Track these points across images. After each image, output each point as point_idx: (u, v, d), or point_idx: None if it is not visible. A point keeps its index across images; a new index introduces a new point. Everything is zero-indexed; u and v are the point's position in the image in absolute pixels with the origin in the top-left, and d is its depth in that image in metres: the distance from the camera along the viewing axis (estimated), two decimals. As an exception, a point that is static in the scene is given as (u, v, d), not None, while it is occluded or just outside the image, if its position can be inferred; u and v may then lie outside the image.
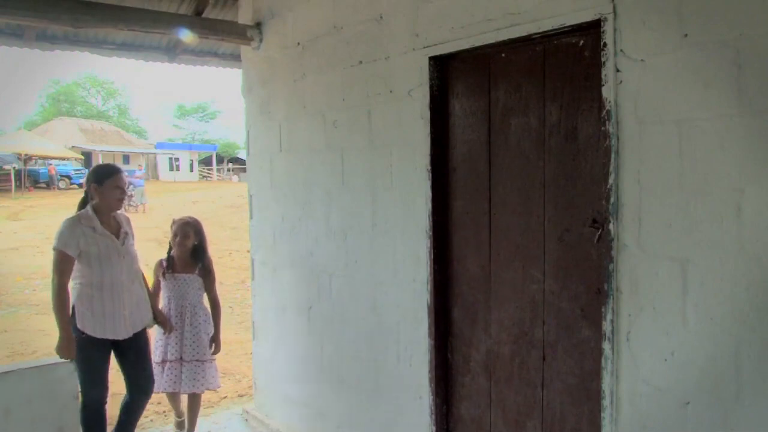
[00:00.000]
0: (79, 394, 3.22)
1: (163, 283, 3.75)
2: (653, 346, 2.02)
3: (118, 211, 3.35)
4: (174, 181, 36.45)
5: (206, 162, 46.74)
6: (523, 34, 2.35)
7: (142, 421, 3.60)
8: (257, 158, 4.18)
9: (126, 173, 3.53)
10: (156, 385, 3.57)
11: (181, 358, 3.68)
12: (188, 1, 4.28)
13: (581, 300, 2.31)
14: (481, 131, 2.67)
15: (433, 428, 2.89)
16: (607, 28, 2.07)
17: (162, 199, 22.76)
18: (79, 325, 3.11)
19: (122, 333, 3.20)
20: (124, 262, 3.22)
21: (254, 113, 4.17)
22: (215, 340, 3.80)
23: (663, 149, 1.96)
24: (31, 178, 29.22)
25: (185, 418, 3.88)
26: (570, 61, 2.30)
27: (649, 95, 1.99)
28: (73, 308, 3.12)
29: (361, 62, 3.18)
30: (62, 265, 3.06)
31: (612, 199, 2.09)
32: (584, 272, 2.29)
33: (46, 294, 8.79)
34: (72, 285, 3.12)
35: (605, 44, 2.08)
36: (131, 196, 18.38)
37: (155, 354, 3.63)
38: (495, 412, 2.70)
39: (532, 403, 2.53)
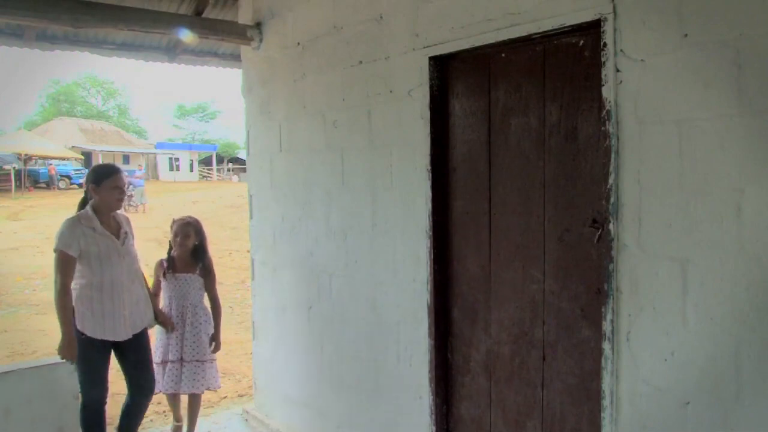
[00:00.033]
0: (79, 395, 3.21)
1: (163, 284, 3.74)
2: (653, 346, 2.02)
3: (118, 211, 3.34)
4: (174, 181, 36.46)
5: (206, 162, 46.74)
6: (523, 34, 2.35)
7: (143, 421, 3.59)
8: (257, 158, 4.18)
9: (126, 173, 3.52)
10: (157, 386, 3.57)
11: (182, 358, 3.67)
12: (188, 1, 4.28)
13: (581, 300, 2.31)
14: (481, 131, 2.67)
15: (433, 428, 2.89)
16: (607, 28, 2.07)
17: (162, 199, 22.76)
18: (78, 326, 3.11)
19: (122, 334, 3.19)
20: (124, 262, 3.21)
21: (254, 113, 4.17)
22: (215, 338, 3.80)
23: (663, 149, 1.96)
24: (31, 178, 29.22)
25: (183, 423, 3.87)
26: (570, 61, 2.30)
27: (649, 95, 1.99)
28: (73, 309, 3.11)
29: (361, 62, 3.18)
30: (64, 266, 3.05)
31: (612, 199, 2.09)
32: (584, 272, 2.29)
33: (46, 294, 8.81)
34: (72, 285, 3.12)
35: (605, 44, 2.08)
36: (131, 196, 18.37)
37: (156, 355, 3.62)
38: (495, 412, 2.70)
39: (532, 403, 2.53)
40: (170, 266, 3.75)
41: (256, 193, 4.23)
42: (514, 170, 2.54)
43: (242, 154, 38.64)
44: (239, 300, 8.37)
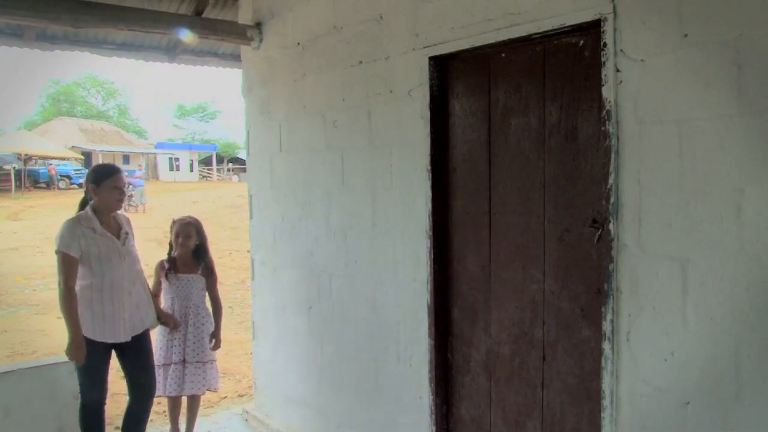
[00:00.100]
0: (79, 395, 3.21)
1: (165, 285, 3.72)
2: (653, 346, 2.02)
3: (119, 212, 3.33)
4: (174, 181, 36.46)
5: (206, 162, 46.74)
6: (523, 34, 2.35)
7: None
8: (257, 158, 4.18)
9: (126, 173, 3.51)
10: (160, 389, 3.55)
11: (184, 359, 3.66)
12: (188, 1, 4.28)
13: (581, 300, 2.31)
14: (481, 131, 2.67)
15: (433, 428, 2.89)
16: (607, 28, 2.07)
17: (162, 199, 22.76)
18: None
19: (122, 336, 3.17)
20: (124, 263, 3.20)
21: (254, 113, 4.17)
22: (215, 336, 3.78)
23: (663, 149, 1.96)
24: (31, 178, 29.23)
25: (181, 428, 3.86)
26: (570, 61, 2.30)
27: (649, 95, 1.99)
28: None
29: (361, 62, 3.18)
30: (67, 267, 3.03)
31: (612, 199, 2.09)
32: (584, 272, 2.29)
33: (46, 294, 8.81)
34: None
35: (605, 44, 2.08)
36: (131, 196, 18.37)
37: (158, 357, 3.59)
38: (495, 412, 2.70)
39: (532, 403, 2.53)
40: (172, 267, 3.73)
41: (256, 193, 4.23)
42: (514, 170, 2.54)
43: (242, 154, 38.64)
44: (239, 300, 8.37)
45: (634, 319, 2.07)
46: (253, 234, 4.27)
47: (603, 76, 2.10)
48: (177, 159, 41.69)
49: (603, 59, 2.09)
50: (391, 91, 3.00)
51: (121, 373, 3.36)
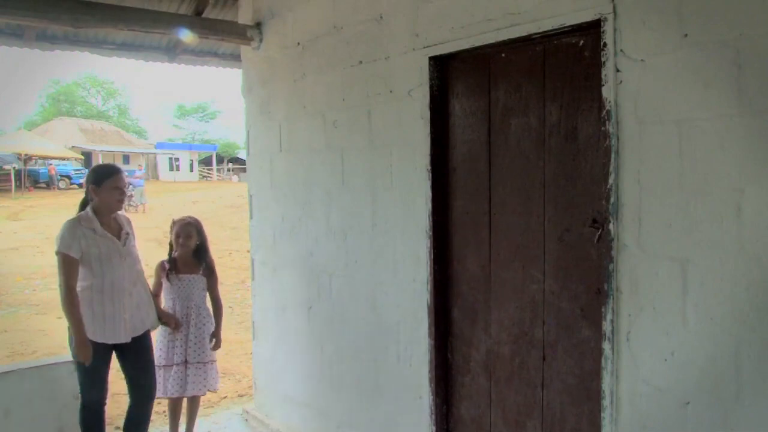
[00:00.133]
0: (79, 395, 3.20)
1: (166, 285, 3.69)
2: (653, 346, 2.02)
3: (119, 212, 3.32)
4: (174, 181, 36.46)
5: (206, 162, 46.74)
6: (523, 34, 2.35)
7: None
8: (257, 158, 4.18)
9: (126, 173, 3.50)
10: (162, 390, 3.54)
11: (186, 360, 3.64)
12: (188, 1, 4.28)
13: (581, 300, 2.31)
14: (481, 131, 2.67)
15: (433, 428, 2.89)
16: (607, 28, 2.07)
17: (162, 199, 22.76)
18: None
19: (122, 336, 3.16)
20: (125, 263, 3.18)
21: (254, 113, 4.17)
22: (216, 336, 3.77)
23: (663, 149, 1.96)
24: (31, 178, 29.23)
25: (183, 424, 3.85)
26: (570, 61, 2.30)
27: (649, 95, 1.99)
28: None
29: (361, 62, 3.18)
30: (67, 268, 3.02)
31: (612, 199, 2.09)
32: (584, 272, 2.29)
33: (46, 294, 8.81)
34: None
35: (605, 44, 2.08)
36: (131, 196, 18.36)
37: (158, 358, 3.57)
38: (495, 412, 2.70)
39: (532, 403, 2.53)
40: (173, 267, 3.70)
41: (256, 193, 4.23)
42: (514, 170, 2.54)
43: (242, 154, 38.64)
44: (239, 300, 8.37)
45: (634, 319, 2.07)
46: (253, 234, 4.27)
47: (603, 76, 2.10)
48: (177, 159, 41.69)
49: (603, 59, 2.09)
50: (391, 91, 3.00)
51: (121, 374, 3.36)
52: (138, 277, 3.31)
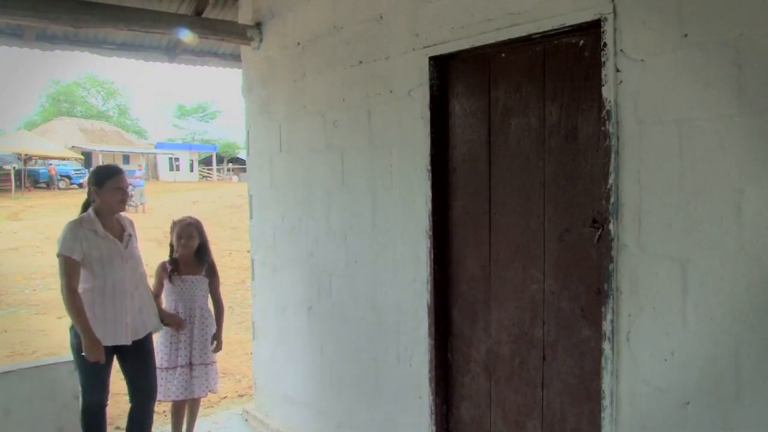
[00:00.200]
0: (80, 396, 3.19)
1: (169, 286, 3.65)
2: (653, 346, 2.02)
3: (122, 213, 3.29)
4: (174, 181, 36.45)
5: (206, 162, 46.74)
6: (523, 34, 2.35)
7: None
8: (257, 158, 4.18)
9: (126, 173, 3.49)
10: (164, 393, 3.52)
11: (190, 362, 3.61)
12: (188, 1, 4.28)
13: (581, 300, 2.31)
14: (481, 131, 2.67)
15: (433, 428, 2.89)
16: (607, 28, 2.07)
17: (162, 199, 22.76)
18: (79, 331, 3.04)
19: (123, 339, 3.13)
20: (127, 265, 3.16)
21: (254, 113, 4.17)
22: (217, 338, 3.75)
23: (663, 149, 1.96)
24: (31, 178, 29.22)
25: (183, 424, 3.84)
26: (570, 61, 2.30)
27: (649, 95, 1.99)
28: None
29: (361, 62, 3.18)
30: (69, 270, 2.99)
31: (612, 199, 2.09)
32: (584, 272, 2.29)
33: (46, 294, 8.82)
34: None
35: (605, 44, 2.08)
36: (131, 196, 18.35)
37: (160, 359, 3.54)
38: (495, 412, 2.70)
39: (532, 403, 2.53)
40: (174, 269, 3.66)
41: (256, 193, 4.23)
42: (514, 170, 2.54)
43: (242, 154, 38.64)
44: (239, 300, 8.37)
45: (634, 319, 2.07)
46: (253, 234, 4.27)
47: (603, 76, 2.10)
48: (177, 159, 41.68)
49: (603, 59, 2.09)
50: (391, 91, 3.00)
51: (121, 374, 3.35)
52: (140, 279, 3.28)
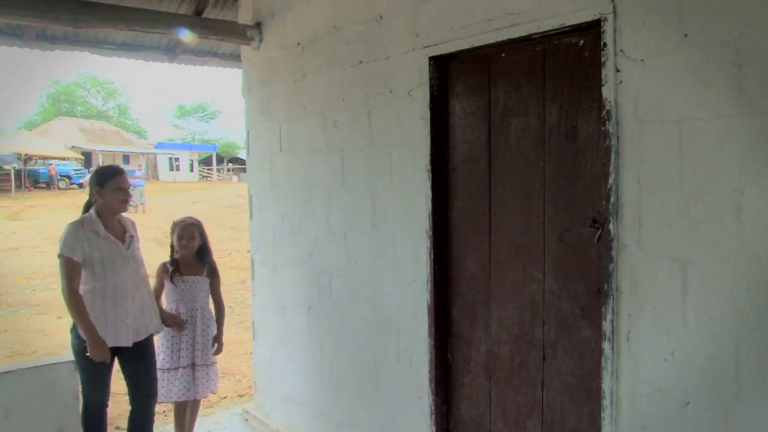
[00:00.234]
0: (80, 396, 3.19)
1: (170, 287, 3.62)
2: (653, 346, 2.03)
3: (124, 214, 3.28)
4: (174, 181, 36.46)
5: (206, 162, 46.75)
6: (523, 34, 2.35)
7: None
8: (257, 158, 4.18)
9: (127, 174, 3.47)
10: (166, 394, 3.51)
11: (193, 363, 3.59)
12: (188, 1, 4.28)
13: (581, 300, 2.31)
14: (481, 131, 2.67)
15: (433, 428, 2.89)
16: (607, 28, 2.07)
17: (162, 199, 22.77)
18: (80, 332, 3.03)
19: (124, 340, 3.12)
20: (129, 267, 3.14)
21: (254, 113, 4.17)
22: (218, 340, 3.73)
23: (663, 149, 1.96)
24: (31, 178, 29.23)
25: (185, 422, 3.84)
26: (570, 61, 2.30)
27: (649, 95, 1.99)
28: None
29: (361, 62, 3.18)
30: (70, 271, 2.98)
31: (612, 199, 2.09)
32: (584, 272, 2.29)
33: (46, 294, 8.82)
34: None
35: (605, 44, 2.08)
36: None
37: (161, 361, 3.52)
38: (495, 412, 2.70)
39: (532, 403, 2.53)
40: (176, 269, 3.64)
41: (256, 193, 4.23)
42: (514, 170, 2.54)
43: (242, 154, 38.64)
44: (239, 300, 8.37)
45: (634, 319, 2.07)
46: (253, 234, 4.27)
47: (603, 76, 2.10)
48: (177, 159, 41.68)
49: (603, 59, 2.09)
50: (391, 91, 3.00)
51: (121, 374, 3.34)
52: (142, 280, 3.26)
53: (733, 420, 1.84)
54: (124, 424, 3.88)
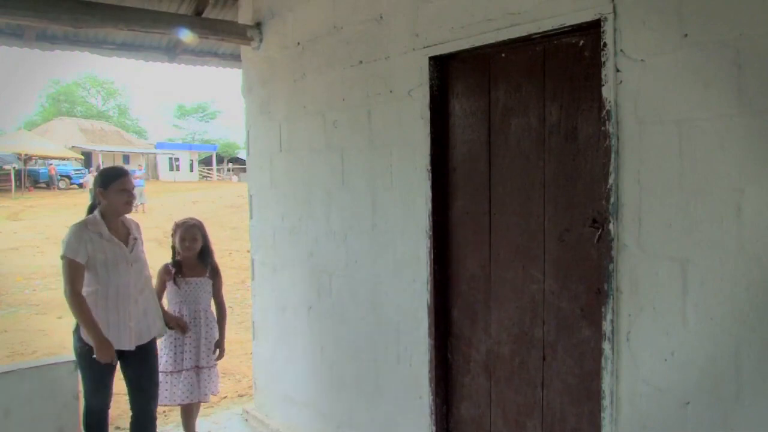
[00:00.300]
0: (82, 398, 3.17)
1: (173, 289, 3.61)
2: (653, 346, 2.02)
3: (128, 217, 3.25)
4: (174, 181, 36.47)
5: (206, 162, 46.75)
6: (523, 34, 2.35)
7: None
8: (257, 158, 4.18)
9: (131, 175, 3.45)
10: (170, 397, 3.50)
11: (197, 365, 3.58)
12: (188, 1, 4.28)
13: (581, 300, 2.31)
14: (481, 131, 2.67)
15: (433, 428, 2.89)
16: (607, 28, 2.07)
17: (162, 199, 22.77)
18: (82, 335, 3.02)
19: (126, 344, 3.09)
20: (132, 269, 3.11)
21: (254, 113, 4.17)
22: (220, 345, 3.71)
23: (663, 149, 1.96)
24: (31, 178, 29.25)
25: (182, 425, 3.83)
26: (570, 61, 2.30)
27: (649, 95, 1.99)
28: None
29: (361, 62, 3.18)
30: (73, 273, 2.95)
31: (612, 199, 2.09)
32: (584, 272, 2.29)
33: (46, 294, 8.80)
34: None
35: (605, 44, 2.08)
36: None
37: (164, 363, 3.51)
38: (495, 412, 2.70)
39: (532, 403, 2.53)
40: (178, 271, 3.62)
41: (256, 193, 4.23)
42: (514, 170, 2.54)
43: (242, 154, 38.63)
44: (239, 300, 8.37)
45: (634, 319, 2.07)
46: (253, 234, 4.27)
47: (603, 76, 2.10)
48: (177, 159, 41.69)
49: (603, 59, 2.09)
50: (391, 91, 3.00)
51: (120, 375, 3.33)
52: (146, 283, 3.23)
53: (733, 420, 1.84)
54: (123, 424, 3.89)
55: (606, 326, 2.14)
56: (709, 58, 1.84)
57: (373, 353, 3.22)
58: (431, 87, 2.78)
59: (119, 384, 3.36)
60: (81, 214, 3.20)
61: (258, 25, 3.98)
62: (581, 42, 2.25)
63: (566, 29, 2.23)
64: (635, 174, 2.03)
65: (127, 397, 3.33)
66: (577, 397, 2.35)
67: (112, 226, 3.11)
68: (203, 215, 7.18)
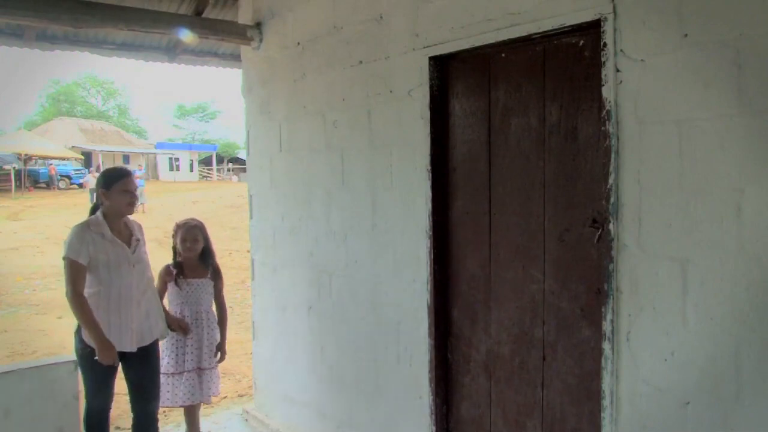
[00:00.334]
0: (81, 397, 3.16)
1: (174, 290, 3.59)
2: (653, 346, 2.03)
3: (130, 218, 3.24)
4: (174, 181, 36.47)
5: (206, 162, 46.75)
6: (523, 34, 2.35)
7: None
8: (257, 158, 4.18)
9: (134, 176, 3.43)
10: (172, 399, 3.49)
11: (199, 366, 3.57)
12: (188, 1, 4.28)
13: (581, 300, 2.31)
14: (481, 131, 2.68)
15: (433, 428, 2.89)
16: (607, 28, 2.07)
17: (162, 199, 22.77)
18: (84, 337, 3.01)
19: (128, 345, 3.08)
20: (135, 270, 3.10)
21: (254, 113, 4.17)
22: (221, 348, 3.70)
23: (663, 149, 1.96)
24: (31, 178, 29.25)
25: (183, 425, 3.83)
26: (570, 61, 2.30)
27: (649, 95, 1.99)
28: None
29: (361, 62, 3.18)
30: (74, 274, 2.93)
31: (612, 199, 2.09)
32: (584, 272, 2.29)
33: (46, 294, 8.81)
34: None
35: (605, 44, 2.08)
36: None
37: (166, 365, 3.50)
38: (495, 412, 2.70)
39: (532, 403, 2.53)
40: (180, 272, 3.61)
41: (256, 193, 4.23)
42: (514, 170, 2.54)
43: (242, 154, 38.64)
44: (239, 300, 8.37)
45: (634, 319, 2.07)
46: (253, 234, 4.27)
47: (603, 76, 2.10)
48: (177, 159, 41.69)
49: (603, 59, 2.09)
50: (391, 91, 3.00)
51: (121, 375, 3.33)
52: (148, 284, 3.22)
53: (733, 420, 1.84)
54: (123, 424, 3.89)
55: (606, 326, 2.14)
56: (709, 58, 1.84)
57: (373, 353, 3.22)
58: (431, 87, 2.78)
59: (120, 384, 3.36)
60: (81, 214, 3.19)
61: (258, 25, 3.98)
62: (581, 42, 2.25)
63: (566, 29, 2.23)
64: (635, 174, 2.03)
65: (127, 397, 3.33)
66: (577, 397, 2.35)
67: (114, 227, 3.10)
68: (203, 215, 7.18)
